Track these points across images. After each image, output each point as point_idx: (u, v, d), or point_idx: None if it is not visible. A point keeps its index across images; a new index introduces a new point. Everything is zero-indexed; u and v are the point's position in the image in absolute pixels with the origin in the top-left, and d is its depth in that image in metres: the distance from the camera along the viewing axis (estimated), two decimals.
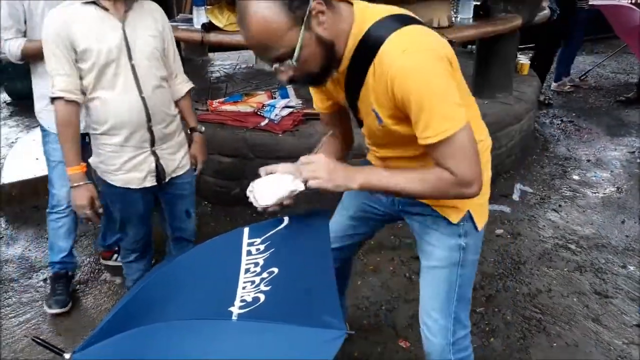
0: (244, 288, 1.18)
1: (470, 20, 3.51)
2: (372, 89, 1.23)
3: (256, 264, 1.26)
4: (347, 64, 1.25)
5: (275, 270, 1.21)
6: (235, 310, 1.10)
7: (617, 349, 2.25)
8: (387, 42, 1.16)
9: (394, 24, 1.19)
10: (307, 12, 1.11)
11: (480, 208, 1.44)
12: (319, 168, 1.25)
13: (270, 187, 1.33)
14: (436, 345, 1.52)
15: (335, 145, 1.58)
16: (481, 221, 1.46)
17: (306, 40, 1.13)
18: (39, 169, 3.66)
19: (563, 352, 2.24)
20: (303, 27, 1.12)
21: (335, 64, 1.25)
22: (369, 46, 1.19)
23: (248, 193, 1.37)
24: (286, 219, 1.41)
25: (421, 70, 1.13)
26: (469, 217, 1.43)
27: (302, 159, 1.30)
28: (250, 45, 1.18)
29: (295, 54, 1.14)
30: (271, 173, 1.37)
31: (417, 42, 1.16)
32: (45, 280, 2.76)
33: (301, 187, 1.31)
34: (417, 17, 1.28)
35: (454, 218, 1.42)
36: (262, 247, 1.33)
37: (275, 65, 1.18)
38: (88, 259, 2.94)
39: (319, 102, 1.54)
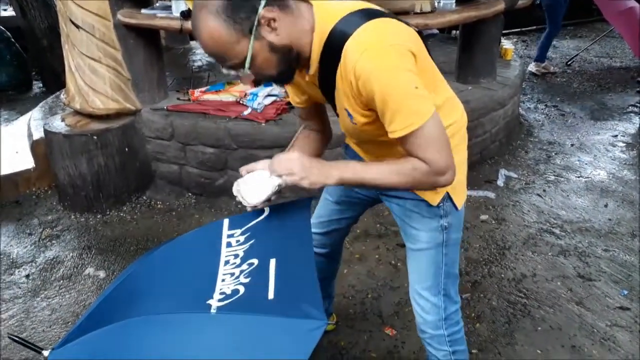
0: (223, 280, 1.16)
1: (453, 5, 3.48)
2: (342, 90, 1.25)
3: (236, 256, 1.25)
4: (317, 67, 1.26)
5: (255, 261, 1.20)
6: (214, 303, 1.09)
7: (600, 331, 2.27)
8: (350, 41, 1.16)
9: (358, 20, 1.18)
10: (256, 22, 1.12)
11: (458, 187, 1.46)
12: (294, 165, 1.25)
13: (257, 185, 1.32)
14: (429, 323, 1.58)
15: (312, 141, 1.59)
16: (460, 200, 1.49)
17: (257, 50, 1.15)
18: (19, 163, 3.60)
19: (547, 335, 2.26)
20: (253, 38, 1.13)
21: (299, 66, 1.26)
22: (334, 46, 1.19)
23: (235, 193, 1.36)
24: (267, 210, 1.40)
25: (382, 69, 1.14)
26: (447, 198, 1.45)
27: (277, 156, 1.30)
28: (206, 53, 1.21)
29: (247, 64, 1.17)
30: (251, 171, 1.37)
31: (379, 39, 1.16)
32: (27, 276, 2.72)
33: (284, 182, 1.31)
34: (383, 9, 1.28)
35: (434, 200, 1.44)
36: (242, 238, 1.31)
37: (232, 72, 1.22)
38: (71, 254, 2.90)
39: (294, 97, 1.54)
